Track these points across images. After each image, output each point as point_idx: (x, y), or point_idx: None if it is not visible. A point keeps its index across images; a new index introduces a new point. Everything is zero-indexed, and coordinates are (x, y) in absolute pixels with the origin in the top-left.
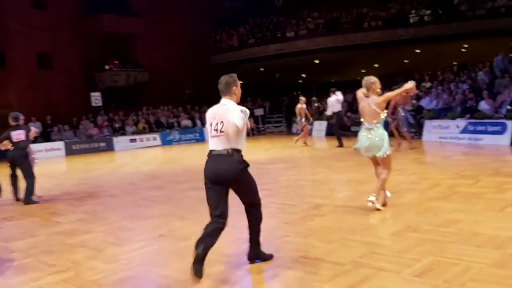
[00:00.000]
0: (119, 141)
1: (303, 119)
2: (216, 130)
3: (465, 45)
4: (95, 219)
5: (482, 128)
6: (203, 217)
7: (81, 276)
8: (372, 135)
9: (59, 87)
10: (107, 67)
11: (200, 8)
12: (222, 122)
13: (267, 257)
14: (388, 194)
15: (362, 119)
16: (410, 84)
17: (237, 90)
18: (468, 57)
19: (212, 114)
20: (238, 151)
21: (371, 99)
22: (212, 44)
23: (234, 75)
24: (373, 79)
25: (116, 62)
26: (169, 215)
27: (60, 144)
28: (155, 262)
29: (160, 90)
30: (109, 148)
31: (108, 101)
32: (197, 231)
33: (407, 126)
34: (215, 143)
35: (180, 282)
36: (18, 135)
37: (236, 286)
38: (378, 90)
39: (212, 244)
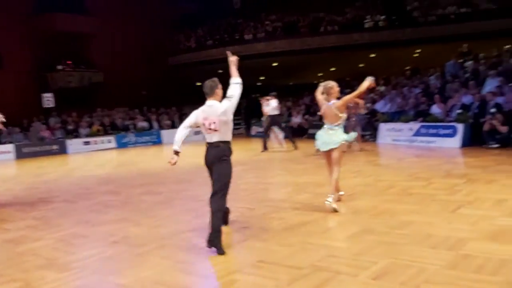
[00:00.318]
0: (73, 144)
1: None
2: (211, 128)
3: (418, 50)
4: (46, 225)
5: (434, 131)
6: (160, 222)
7: (31, 287)
8: (331, 134)
9: (9, 88)
10: (60, 67)
11: (158, 9)
12: (214, 122)
13: (221, 251)
14: (341, 193)
15: (325, 122)
16: (368, 81)
17: (219, 92)
18: (420, 62)
19: (204, 114)
20: (226, 143)
21: (332, 102)
22: (169, 45)
23: (216, 79)
24: (331, 83)
25: (70, 62)
26: (124, 220)
27: (9, 147)
28: (110, 270)
29: (115, 91)
30: (62, 151)
31: (61, 102)
32: (153, 236)
33: (359, 129)
34: (210, 137)
35: None
36: None
37: None
38: (337, 94)
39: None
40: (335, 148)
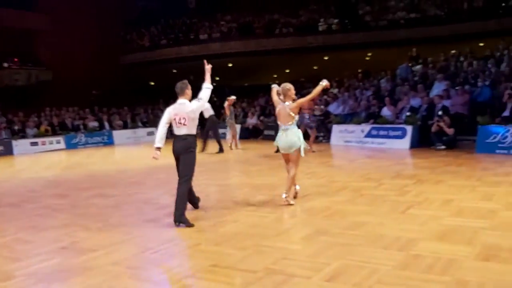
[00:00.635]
0: (19, 145)
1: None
2: (180, 123)
3: (369, 54)
4: None
5: (384, 132)
6: (110, 227)
7: None
8: (288, 135)
9: None
10: (6, 64)
11: (110, 6)
12: (184, 118)
13: (189, 224)
14: (298, 187)
15: (278, 122)
16: (321, 85)
17: (189, 91)
18: (372, 65)
19: (175, 111)
20: (192, 136)
21: (287, 104)
22: (122, 44)
23: (186, 81)
24: (288, 86)
25: (16, 59)
26: (72, 225)
27: None
28: (56, 278)
29: (65, 90)
30: (8, 152)
31: (7, 101)
32: (103, 241)
33: (314, 129)
34: (179, 131)
35: None
36: None
37: None
38: (293, 96)
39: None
40: (293, 151)
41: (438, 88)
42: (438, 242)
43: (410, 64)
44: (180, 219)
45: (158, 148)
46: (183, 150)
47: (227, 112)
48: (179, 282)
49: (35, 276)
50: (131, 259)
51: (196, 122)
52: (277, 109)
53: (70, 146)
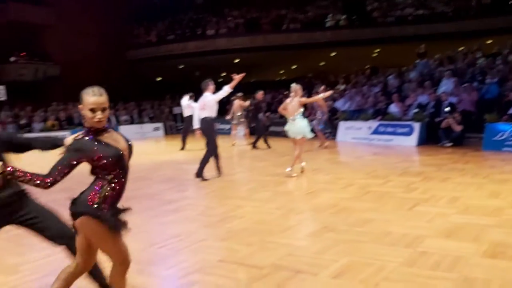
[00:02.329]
0: None
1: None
2: (203, 108)
3: (377, 50)
4: None
5: (391, 129)
6: None
7: None
8: (296, 123)
9: None
10: (13, 59)
11: (117, 1)
12: (205, 104)
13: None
14: (303, 163)
15: (286, 115)
16: (324, 95)
17: (211, 87)
18: (379, 62)
19: (200, 100)
20: (211, 118)
21: (294, 99)
22: (129, 39)
23: (209, 79)
24: (298, 86)
25: (23, 54)
26: None
27: None
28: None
29: (72, 85)
30: None
31: (14, 95)
32: None
33: (322, 127)
34: (202, 114)
35: None
36: None
37: None
38: (300, 93)
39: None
40: (300, 138)
41: (445, 85)
42: (445, 239)
43: (417, 61)
44: (199, 175)
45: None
46: (203, 126)
47: (240, 109)
48: (186, 277)
49: (41, 270)
50: (138, 254)
51: (214, 108)
52: (285, 106)
53: None
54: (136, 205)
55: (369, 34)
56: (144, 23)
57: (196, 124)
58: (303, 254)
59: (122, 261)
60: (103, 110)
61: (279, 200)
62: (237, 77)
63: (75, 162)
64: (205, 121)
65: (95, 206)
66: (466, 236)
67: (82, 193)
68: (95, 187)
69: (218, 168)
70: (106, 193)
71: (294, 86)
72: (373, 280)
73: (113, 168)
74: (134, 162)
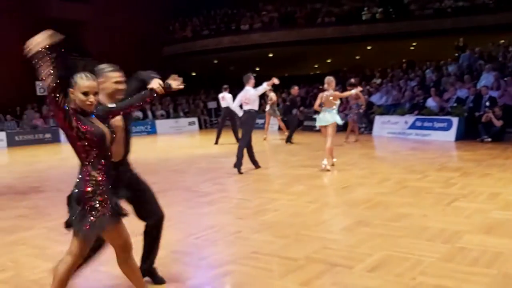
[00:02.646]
0: None
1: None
2: (246, 102)
3: (414, 43)
4: (38, 214)
5: (429, 124)
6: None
7: (21, 276)
8: (328, 114)
9: (1, 75)
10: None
11: None
12: (248, 98)
13: (239, 171)
14: (335, 159)
15: (323, 107)
16: (355, 91)
17: (252, 81)
18: (416, 55)
19: (242, 94)
20: (253, 110)
21: (330, 92)
22: (164, 35)
23: (250, 73)
24: (331, 78)
25: (63, 50)
26: None
27: (1, 135)
28: (102, 260)
29: None
30: (55, 139)
31: None
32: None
33: (358, 120)
34: (245, 107)
35: (127, 280)
36: None
37: (187, 283)
38: (334, 85)
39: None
40: (329, 125)
41: (486, 79)
42: (484, 235)
43: (456, 55)
44: (237, 165)
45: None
46: (245, 117)
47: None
48: (220, 267)
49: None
50: (174, 244)
51: (256, 102)
52: (323, 97)
53: None
54: (173, 197)
55: (406, 27)
56: (179, 19)
57: (236, 113)
58: (338, 248)
59: (124, 247)
60: (95, 94)
61: (313, 194)
62: (275, 80)
63: (71, 112)
64: (247, 114)
65: (90, 196)
66: (506, 232)
67: (74, 187)
68: (85, 177)
69: (254, 161)
70: (97, 178)
71: (328, 78)
72: (409, 275)
73: (96, 149)
74: (170, 156)
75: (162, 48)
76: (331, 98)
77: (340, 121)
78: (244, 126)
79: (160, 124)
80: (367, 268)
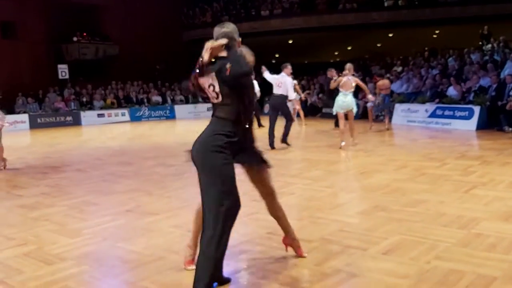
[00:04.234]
0: (86, 116)
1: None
2: (279, 86)
3: (437, 31)
4: (59, 193)
5: (450, 113)
6: (171, 193)
7: (43, 250)
8: (347, 99)
9: (24, 58)
10: (75, 39)
11: None
12: (281, 83)
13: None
14: (343, 143)
15: (341, 89)
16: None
17: (287, 70)
18: (439, 43)
19: (277, 78)
20: (284, 96)
21: (350, 77)
22: (185, 20)
23: (288, 63)
24: (351, 65)
25: (85, 34)
26: (136, 190)
27: (24, 117)
28: (121, 237)
29: (130, 64)
30: (76, 122)
31: (76, 74)
32: (165, 206)
33: (382, 109)
34: (276, 90)
35: (146, 257)
36: None
37: None
38: (353, 71)
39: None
40: (349, 111)
41: (510, 68)
42: (502, 222)
43: (480, 43)
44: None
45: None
46: (278, 104)
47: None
48: (236, 247)
49: (101, 234)
50: (190, 224)
51: (287, 88)
52: (343, 80)
53: (134, 118)
54: (190, 180)
55: (429, 15)
56: (199, 4)
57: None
58: (353, 231)
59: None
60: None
61: (330, 179)
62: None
63: None
64: (279, 97)
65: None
66: None
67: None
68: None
69: (271, 142)
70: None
71: (348, 65)
72: (424, 258)
73: None
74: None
75: (182, 33)
76: (348, 81)
77: (355, 109)
78: (278, 109)
79: (178, 109)
80: (382, 251)
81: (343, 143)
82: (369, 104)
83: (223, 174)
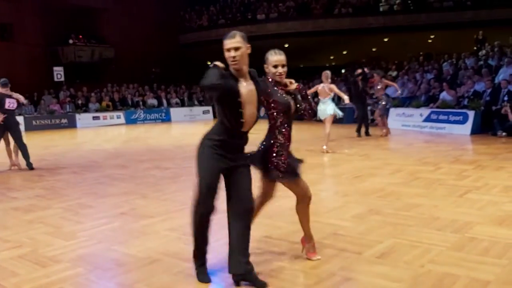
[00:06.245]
0: (82, 118)
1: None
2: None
3: (432, 36)
4: (54, 195)
5: (444, 117)
6: (166, 196)
7: (37, 252)
8: (322, 107)
9: (20, 60)
10: (71, 41)
11: None
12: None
13: None
14: (324, 147)
15: (319, 97)
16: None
17: (327, 79)
18: (434, 48)
19: (320, 87)
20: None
21: (326, 84)
22: (181, 23)
23: (327, 71)
24: (328, 72)
25: (81, 36)
26: (131, 193)
27: (19, 119)
28: (116, 240)
29: (126, 67)
30: (71, 125)
31: (71, 76)
32: (160, 209)
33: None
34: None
35: (141, 260)
36: (10, 103)
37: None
38: (330, 80)
39: None
40: (328, 117)
41: (504, 73)
42: (496, 226)
43: (475, 48)
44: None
45: None
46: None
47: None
48: None
49: (96, 237)
50: (186, 226)
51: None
52: (317, 89)
53: (130, 121)
54: (186, 183)
55: (424, 20)
56: (196, 8)
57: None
58: (348, 234)
59: (303, 196)
60: (283, 66)
61: (325, 183)
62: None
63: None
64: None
65: (274, 155)
66: None
67: (261, 146)
68: (272, 140)
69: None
70: (281, 141)
71: (324, 72)
72: (418, 262)
73: (282, 116)
74: (184, 143)
75: (178, 37)
76: (327, 90)
77: (340, 114)
78: None
79: (174, 112)
80: (376, 255)
81: (324, 148)
82: (377, 108)
83: None
